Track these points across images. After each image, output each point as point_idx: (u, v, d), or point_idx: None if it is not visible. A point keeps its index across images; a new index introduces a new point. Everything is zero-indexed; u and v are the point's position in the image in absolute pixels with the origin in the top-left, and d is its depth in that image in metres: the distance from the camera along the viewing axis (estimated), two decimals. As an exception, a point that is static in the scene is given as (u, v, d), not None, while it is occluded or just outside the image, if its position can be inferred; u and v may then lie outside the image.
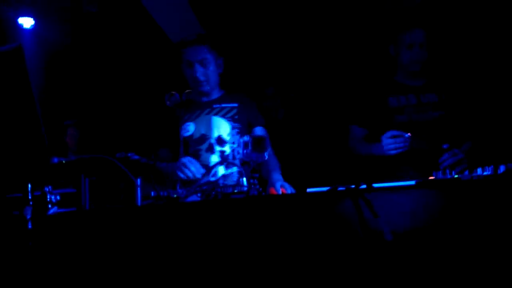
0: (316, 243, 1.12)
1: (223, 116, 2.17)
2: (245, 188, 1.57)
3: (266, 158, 1.60)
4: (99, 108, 3.83)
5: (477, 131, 2.14)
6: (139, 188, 1.30)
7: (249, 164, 1.59)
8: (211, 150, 2.11)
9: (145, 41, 3.70)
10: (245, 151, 1.58)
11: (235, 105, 2.20)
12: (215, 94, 2.24)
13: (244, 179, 1.63)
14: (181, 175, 1.92)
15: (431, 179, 1.22)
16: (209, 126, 2.15)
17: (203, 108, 2.20)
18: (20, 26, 3.54)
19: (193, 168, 1.93)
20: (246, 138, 1.61)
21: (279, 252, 1.15)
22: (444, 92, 2.18)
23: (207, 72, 2.14)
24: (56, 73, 3.78)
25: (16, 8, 3.50)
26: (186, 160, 1.96)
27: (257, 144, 1.59)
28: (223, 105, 2.20)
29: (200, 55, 2.12)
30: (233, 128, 2.15)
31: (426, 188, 1.13)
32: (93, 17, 3.40)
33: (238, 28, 3.40)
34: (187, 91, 2.24)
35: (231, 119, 2.16)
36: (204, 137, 2.13)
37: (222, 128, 2.14)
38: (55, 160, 1.24)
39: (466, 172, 1.32)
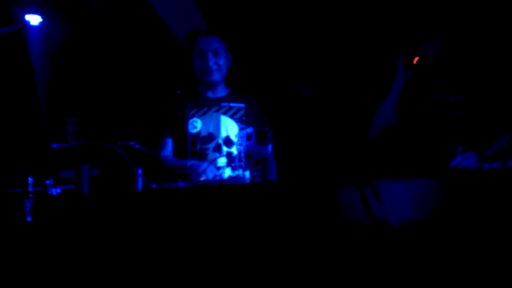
0: (320, 232, 1.10)
1: (232, 117, 2.14)
2: (248, 181, 1.56)
3: (270, 151, 1.58)
4: (102, 103, 3.84)
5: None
6: (140, 178, 1.29)
7: (252, 156, 1.57)
8: (218, 150, 2.08)
9: (149, 37, 3.71)
10: (248, 143, 1.57)
11: (242, 105, 2.18)
12: (222, 91, 2.22)
13: (247, 172, 1.62)
14: (196, 179, 1.87)
15: (440, 169, 1.20)
16: (217, 125, 2.11)
17: (210, 104, 2.16)
18: (27, 23, 3.57)
19: (211, 175, 1.89)
20: (249, 130, 1.60)
21: (283, 240, 1.13)
22: (470, 93, 2.14)
23: (219, 63, 2.14)
24: (63, 69, 3.79)
25: (24, 5, 3.52)
26: (206, 167, 1.91)
27: (260, 136, 1.58)
28: (231, 104, 2.17)
29: (214, 45, 2.12)
30: (241, 129, 2.12)
31: (434, 178, 1.11)
32: (99, 13, 3.41)
33: (244, 25, 3.38)
34: (177, 92, 2.21)
35: (239, 120, 2.14)
36: (212, 136, 2.10)
37: (230, 128, 2.12)
38: (54, 146, 1.22)
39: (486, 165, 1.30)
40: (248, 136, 1.59)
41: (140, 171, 1.32)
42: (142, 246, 1.21)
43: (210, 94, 2.20)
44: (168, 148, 2.14)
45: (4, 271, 1.32)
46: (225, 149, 2.08)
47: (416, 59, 2.06)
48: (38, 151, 1.33)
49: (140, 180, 1.28)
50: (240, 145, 2.08)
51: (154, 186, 1.50)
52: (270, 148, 1.57)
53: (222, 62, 2.15)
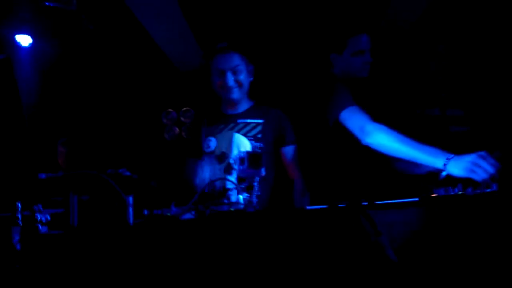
0: (316, 263, 1.07)
1: (246, 134, 2.08)
2: (242, 206, 1.53)
3: (263, 174, 1.55)
4: (93, 124, 3.80)
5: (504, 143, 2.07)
6: (131, 207, 1.25)
7: (245, 180, 1.54)
8: (228, 170, 2.03)
9: (141, 58, 3.70)
10: (241, 167, 1.54)
11: (261, 121, 2.11)
12: (243, 106, 2.16)
13: (241, 196, 1.59)
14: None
15: (435, 196, 1.18)
16: (230, 144, 2.06)
17: (227, 122, 2.12)
18: (17, 44, 3.55)
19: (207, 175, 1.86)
20: (242, 153, 1.57)
21: (276, 271, 1.10)
22: (469, 107, 2.14)
23: (239, 79, 2.08)
24: (53, 90, 3.76)
25: (14, 26, 3.50)
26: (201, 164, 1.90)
27: (253, 160, 1.55)
28: (248, 120, 2.11)
29: (232, 63, 2.06)
30: (253, 148, 2.05)
31: (430, 205, 1.09)
32: (90, 35, 3.40)
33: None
34: (184, 109, 2.19)
35: (252, 138, 2.07)
36: (224, 156, 2.05)
37: (243, 147, 2.05)
38: (43, 176, 1.19)
39: (470, 189, 1.28)
40: (241, 160, 1.56)
41: (130, 199, 1.29)
42: (136, 275, 1.17)
43: (230, 111, 2.15)
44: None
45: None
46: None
47: None
48: (25, 179, 1.29)
49: (131, 210, 1.25)
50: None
51: (145, 212, 1.46)
52: (263, 172, 1.54)
53: (242, 78, 2.08)
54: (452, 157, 1.52)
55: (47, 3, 3.25)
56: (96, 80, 3.83)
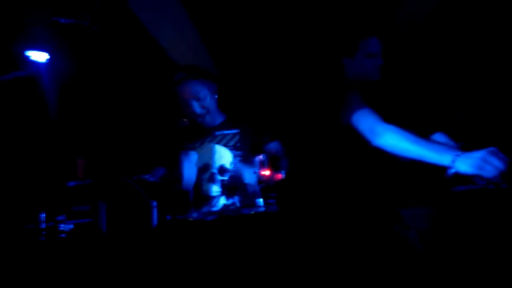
0: (341, 258, 1.08)
1: (225, 145, 2.11)
2: (262, 209, 1.54)
3: (283, 177, 1.57)
4: (109, 136, 3.84)
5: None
6: (155, 210, 1.28)
7: (266, 183, 1.56)
8: (212, 180, 2.08)
9: (153, 69, 3.75)
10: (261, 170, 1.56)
11: (236, 131, 2.14)
12: (217, 120, 2.20)
13: (261, 199, 1.60)
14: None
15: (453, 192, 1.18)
16: (212, 156, 2.10)
17: (205, 135, 2.17)
18: (34, 61, 3.62)
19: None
20: (262, 157, 1.59)
21: (299, 270, 1.11)
22: (463, 111, 2.14)
23: (204, 105, 2.10)
24: (69, 105, 3.83)
25: (30, 43, 3.58)
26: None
27: (273, 162, 1.57)
28: (225, 132, 2.14)
29: (194, 91, 2.07)
30: (235, 156, 2.10)
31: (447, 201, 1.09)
32: (103, 48, 3.46)
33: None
34: (183, 119, 2.19)
35: (233, 148, 2.10)
36: (207, 167, 2.10)
37: (224, 157, 2.08)
38: (72, 183, 1.22)
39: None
40: (261, 163, 1.58)
41: (155, 204, 1.31)
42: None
43: (205, 125, 2.18)
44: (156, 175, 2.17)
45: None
46: (219, 178, 2.05)
47: None
48: (52, 188, 1.32)
49: (155, 212, 1.27)
50: (236, 171, 2.05)
51: (168, 217, 1.49)
52: (283, 174, 1.56)
53: (207, 102, 2.11)
54: (460, 154, 1.49)
55: (61, 20, 3.33)
56: (111, 91, 3.89)
